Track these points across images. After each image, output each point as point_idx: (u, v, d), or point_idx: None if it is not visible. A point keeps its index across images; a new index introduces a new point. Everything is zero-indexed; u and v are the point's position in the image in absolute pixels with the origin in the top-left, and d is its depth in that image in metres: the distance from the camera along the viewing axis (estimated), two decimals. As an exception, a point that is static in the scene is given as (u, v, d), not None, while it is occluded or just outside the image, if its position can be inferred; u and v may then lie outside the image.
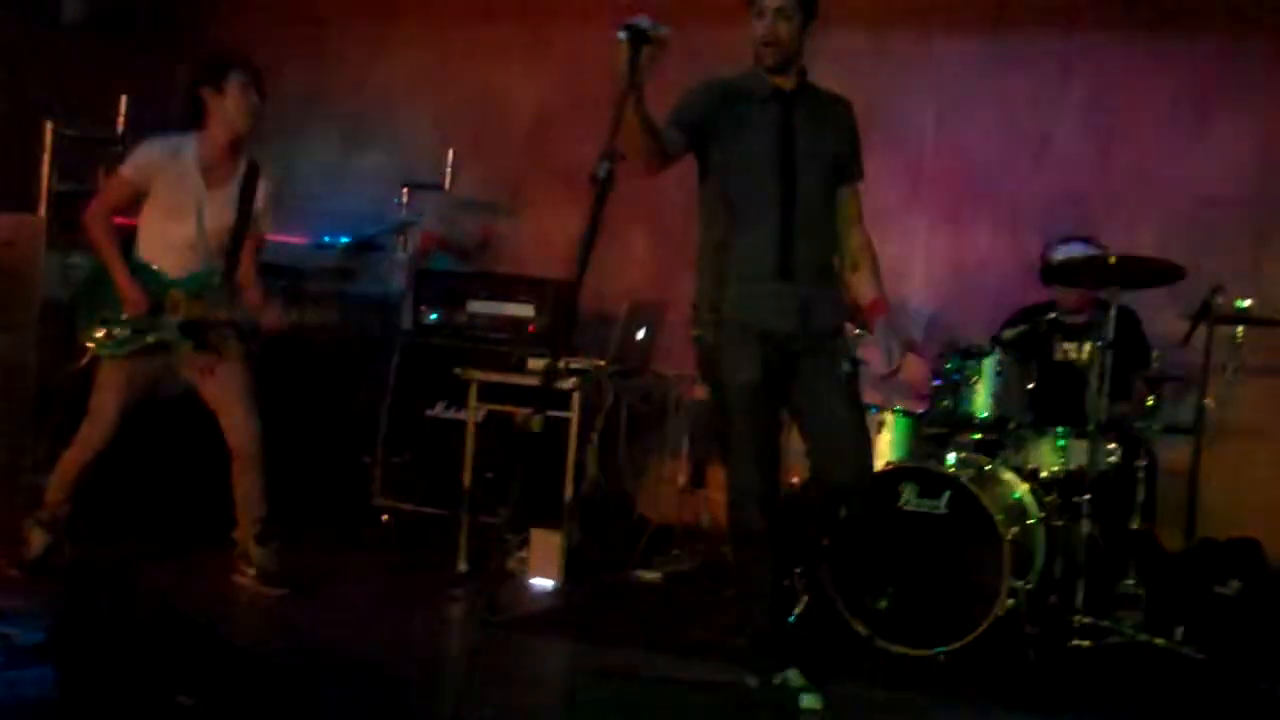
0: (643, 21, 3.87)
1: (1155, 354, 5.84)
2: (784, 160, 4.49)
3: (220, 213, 5.41)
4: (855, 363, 4.84)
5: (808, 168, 4.51)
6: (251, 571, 5.51)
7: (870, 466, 4.87)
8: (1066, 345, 6.16)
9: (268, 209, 5.54)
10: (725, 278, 4.49)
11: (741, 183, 4.48)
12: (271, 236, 5.74)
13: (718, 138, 4.47)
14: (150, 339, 5.34)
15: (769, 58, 4.46)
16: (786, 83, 4.53)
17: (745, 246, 4.47)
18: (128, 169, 5.39)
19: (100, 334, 5.33)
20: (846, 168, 4.67)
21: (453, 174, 7.35)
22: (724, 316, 4.48)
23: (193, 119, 5.41)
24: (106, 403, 5.35)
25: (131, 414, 5.40)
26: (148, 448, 5.87)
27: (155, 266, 5.36)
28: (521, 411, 5.60)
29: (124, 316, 5.31)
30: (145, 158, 5.39)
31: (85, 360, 5.43)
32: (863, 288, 4.71)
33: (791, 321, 4.48)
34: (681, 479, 6.95)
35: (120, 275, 5.29)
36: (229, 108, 5.35)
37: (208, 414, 5.49)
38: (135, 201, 5.42)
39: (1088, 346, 5.77)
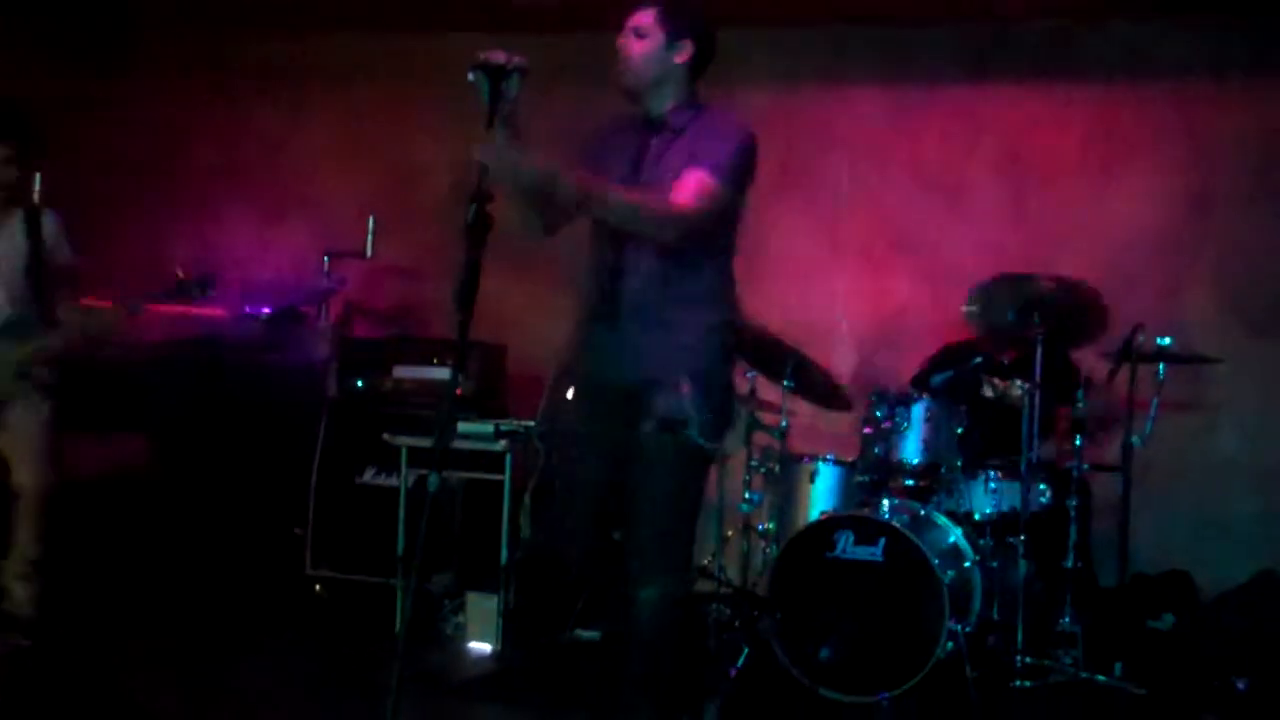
0: (496, 57, 3.60)
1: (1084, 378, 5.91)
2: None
3: (9, 254, 5.43)
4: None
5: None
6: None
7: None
8: (997, 380, 6.21)
9: (60, 241, 5.54)
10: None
11: (592, 227, 4.11)
12: (194, 309, 5.70)
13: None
14: None
15: (622, 83, 4.09)
16: (655, 109, 4.10)
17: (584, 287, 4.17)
18: None
19: None
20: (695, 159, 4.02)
21: (373, 241, 7.31)
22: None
23: None
24: None
25: None
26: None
27: None
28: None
29: None
30: None
31: None
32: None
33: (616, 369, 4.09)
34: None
35: None
36: None
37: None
38: None
39: (1016, 383, 5.86)
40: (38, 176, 6.65)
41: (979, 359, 6.16)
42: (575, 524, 4.24)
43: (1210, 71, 6.94)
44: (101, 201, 7.62)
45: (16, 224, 5.46)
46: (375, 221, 7.30)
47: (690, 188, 3.92)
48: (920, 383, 6.44)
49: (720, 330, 4.14)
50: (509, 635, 6.00)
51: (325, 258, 7.36)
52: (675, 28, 4.05)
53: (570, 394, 4.31)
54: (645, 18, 4.06)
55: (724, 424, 4.18)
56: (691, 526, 4.14)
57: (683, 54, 4.07)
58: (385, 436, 6.28)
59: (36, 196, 6.53)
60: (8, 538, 5.41)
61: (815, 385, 6.24)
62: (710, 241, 4.05)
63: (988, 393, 6.10)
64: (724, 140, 4.03)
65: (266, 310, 7.37)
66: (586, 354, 4.17)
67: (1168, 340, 5.63)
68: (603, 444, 4.12)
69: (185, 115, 8.13)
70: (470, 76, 3.63)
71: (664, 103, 4.08)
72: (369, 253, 7.33)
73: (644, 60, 4.04)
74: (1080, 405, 5.75)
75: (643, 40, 4.04)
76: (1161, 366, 5.64)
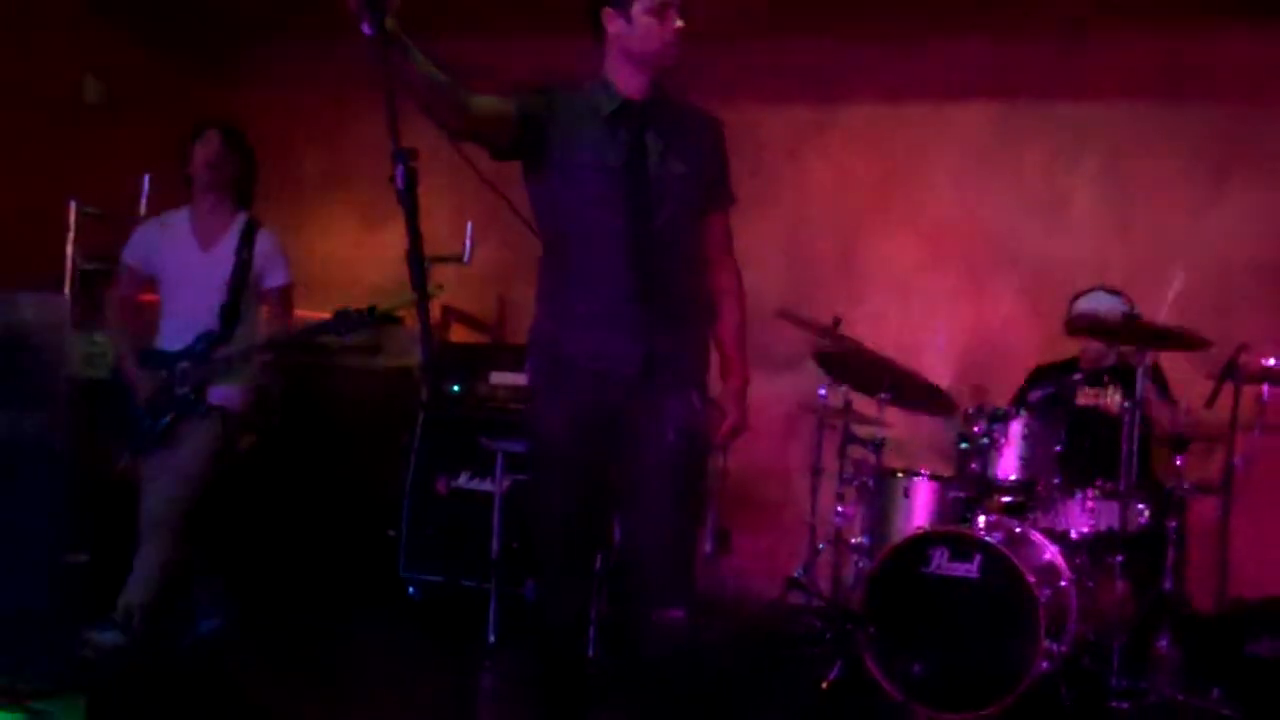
0: None
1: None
2: (633, 182, 3.84)
3: (216, 270, 5.34)
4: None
5: (661, 192, 3.85)
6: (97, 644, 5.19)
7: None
8: (1091, 390, 6.15)
9: (276, 259, 5.46)
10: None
11: (582, 209, 3.86)
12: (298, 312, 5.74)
13: (554, 147, 3.85)
14: (165, 425, 5.25)
15: (673, 61, 3.85)
16: (641, 93, 3.89)
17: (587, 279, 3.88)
18: (126, 253, 5.46)
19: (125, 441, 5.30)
20: (714, 192, 4.04)
21: (472, 246, 7.37)
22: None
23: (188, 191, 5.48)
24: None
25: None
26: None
27: (162, 347, 5.33)
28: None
29: (138, 404, 5.27)
30: (140, 237, 5.47)
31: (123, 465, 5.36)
32: (720, 346, 4.08)
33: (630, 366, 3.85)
34: (707, 547, 6.92)
35: (126, 364, 5.31)
36: (195, 165, 5.40)
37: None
38: (146, 284, 5.47)
39: (1111, 391, 5.79)
40: (146, 179, 6.80)
41: (1078, 374, 6.11)
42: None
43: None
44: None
45: (233, 240, 5.38)
46: (473, 227, 7.37)
47: (728, 243, 4.08)
48: (1017, 405, 6.40)
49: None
50: (603, 643, 6.00)
51: (425, 263, 7.41)
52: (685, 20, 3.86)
53: (565, 393, 3.93)
54: None
55: None
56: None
57: None
58: (482, 441, 6.31)
59: (144, 201, 6.64)
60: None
61: (915, 393, 6.22)
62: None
63: (1083, 400, 6.04)
64: (725, 161, 4.05)
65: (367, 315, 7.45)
66: (601, 351, 3.86)
67: (1271, 360, 5.54)
68: (600, 453, 3.90)
69: (293, 124, 8.25)
70: (366, 30, 3.31)
71: (659, 88, 3.93)
72: (467, 258, 7.39)
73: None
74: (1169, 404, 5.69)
75: (680, 21, 3.84)
76: (1265, 387, 5.55)
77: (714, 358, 4.08)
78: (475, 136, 3.78)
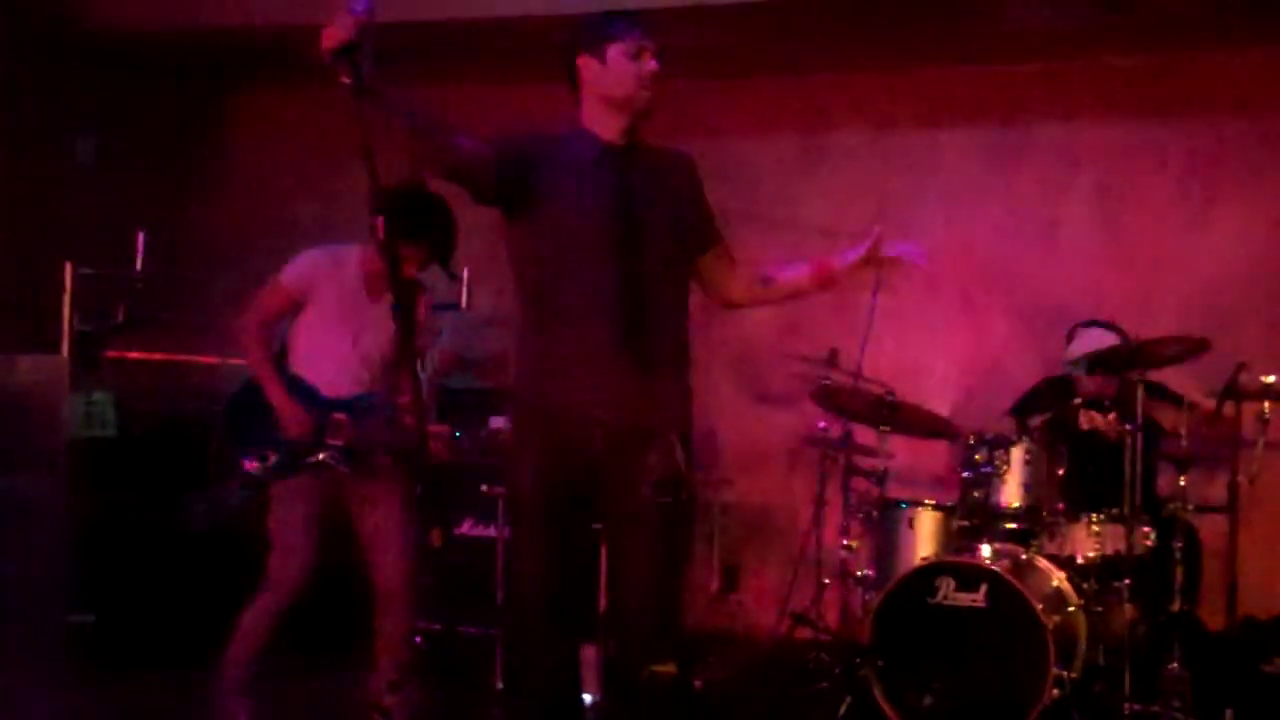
0: (338, 37, 3.31)
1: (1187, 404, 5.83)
2: (621, 227, 3.79)
3: (381, 326, 4.95)
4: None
5: (648, 236, 3.81)
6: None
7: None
8: (1093, 414, 6.16)
9: (430, 323, 5.29)
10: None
11: (567, 255, 3.81)
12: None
13: (538, 194, 3.79)
14: (310, 461, 4.90)
15: (646, 104, 3.81)
16: (623, 138, 3.87)
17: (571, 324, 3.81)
18: (287, 277, 4.99)
19: (256, 462, 4.92)
20: (703, 230, 4.00)
21: (469, 292, 7.37)
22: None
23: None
24: (291, 527, 4.93)
25: (321, 545, 4.98)
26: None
27: (313, 384, 4.96)
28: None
29: (283, 439, 4.88)
30: (309, 265, 5.02)
31: (245, 486, 5.04)
32: (791, 273, 4.07)
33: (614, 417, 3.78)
34: (714, 584, 6.91)
35: (278, 394, 4.87)
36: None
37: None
38: (291, 313, 5.03)
39: (1113, 416, 5.80)
40: (140, 237, 6.80)
41: (1079, 400, 6.11)
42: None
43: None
44: (204, 262, 7.77)
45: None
46: (470, 273, 7.36)
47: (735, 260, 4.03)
48: (1018, 411, 6.41)
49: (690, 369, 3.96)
50: (609, 684, 5.97)
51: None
52: (660, 62, 3.85)
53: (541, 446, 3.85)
54: (652, 42, 3.83)
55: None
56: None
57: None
58: (484, 488, 6.29)
59: (139, 258, 6.62)
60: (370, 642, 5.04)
61: (915, 422, 6.23)
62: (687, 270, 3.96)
63: (1085, 424, 6.05)
64: (703, 196, 4.02)
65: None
66: (582, 398, 3.78)
67: (1271, 378, 5.53)
68: (578, 506, 3.82)
69: (285, 172, 8.26)
70: (345, 80, 3.34)
71: (632, 134, 3.87)
72: (464, 304, 7.38)
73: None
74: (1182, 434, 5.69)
75: (655, 63, 3.82)
76: (1266, 404, 5.54)
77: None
78: (457, 179, 3.75)
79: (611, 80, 3.81)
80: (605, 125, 3.86)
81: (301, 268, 5.01)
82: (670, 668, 3.73)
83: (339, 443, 4.91)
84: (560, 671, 3.94)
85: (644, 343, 3.78)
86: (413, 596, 5.04)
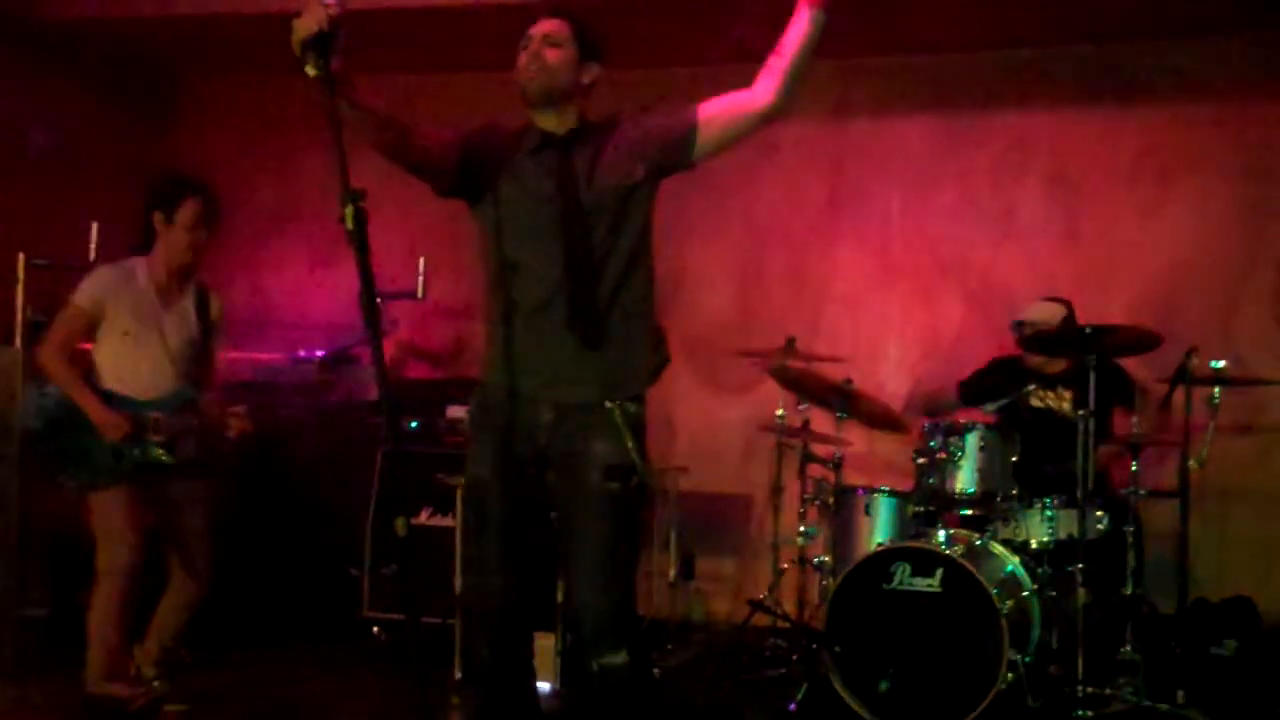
0: (311, 25, 3.34)
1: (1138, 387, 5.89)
2: (564, 213, 3.80)
3: (180, 330, 5.32)
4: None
5: (595, 220, 3.80)
6: (144, 688, 5.19)
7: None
8: (1044, 393, 6.22)
9: (222, 324, 5.50)
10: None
11: (520, 241, 3.84)
12: (248, 354, 5.72)
13: (493, 183, 3.84)
14: (138, 457, 5.15)
15: (532, 88, 3.82)
16: (559, 126, 3.88)
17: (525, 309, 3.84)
18: (82, 298, 5.25)
19: (82, 469, 5.15)
20: (685, 130, 3.89)
21: (425, 282, 7.35)
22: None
23: (145, 242, 5.33)
24: (116, 524, 5.11)
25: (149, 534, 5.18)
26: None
27: (125, 393, 5.21)
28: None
29: (106, 442, 5.12)
30: (98, 284, 5.27)
31: (73, 492, 5.21)
32: (789, 31, 3.90)
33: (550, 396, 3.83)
34: (671, 572, 6.93)
35: (91, 404, 5.12)
36: (174, 240, 5.28)
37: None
38: (88, 332, 5.27)
39: (1066, 394, 5.84)
40: (95, 227, 6.76)
41: (1031, 385, 6.16)
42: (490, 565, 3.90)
43: (1259, 88, 6.91)
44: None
45: (189, 302, 5.36)
46: (426, 263, 7.36)
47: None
48: (968, 390, 6.46)
49: (655, 350, 3.94)
50: (566, 673, 5.99)
51: (378, 302, 7.40)
52: (587, 48, 3.88)
53: (493, 432, 3.90)
54: (560, 28, 3.86)
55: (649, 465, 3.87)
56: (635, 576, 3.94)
57: (589, 75, 3.90)
58: (440, 477, 6.29)
59: (93, 248, 6.58)
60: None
61: (870, 413, 6.27)
62: (645, 238, 3.89)
63: (1036, 403, 6.11)
64: (657, 120, 3.93)
65: (320, 353, 7.44)
66: (510, 375, 3.85)
67: (1221, 363, 5.59)
68: (524, 481, 3.85)
69: (241, 159, 8.22)
70: (311, 72, 3.36)
71: (565, 121, 3.88)
72: (421, 294, 7.37)
73: (559, 69, 3.83)
74: (1134, 411, 5.74)
75: (556, 49, 3.83)
76: (1216, 389, 5.60)
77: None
78: (419, 172, 3.81)
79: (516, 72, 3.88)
80: (538, 116, 3.90)
81: (94, 287, 5.28)
82: (621, 657, 3.74)
83: (159, 439, 5.19)
84: (514, 660, 3.97)
85: (592, 322, 3.78)
86: (204, 593, 5.29)
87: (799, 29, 3.85)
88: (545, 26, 3.86)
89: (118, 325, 5.24)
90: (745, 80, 3.89)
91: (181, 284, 5.38)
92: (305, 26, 3.34)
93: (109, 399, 5.19)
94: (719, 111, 3.90)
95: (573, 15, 3.92)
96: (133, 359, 5.25)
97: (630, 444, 3.76)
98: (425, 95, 7.07)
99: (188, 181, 5.42)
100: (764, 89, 3.85)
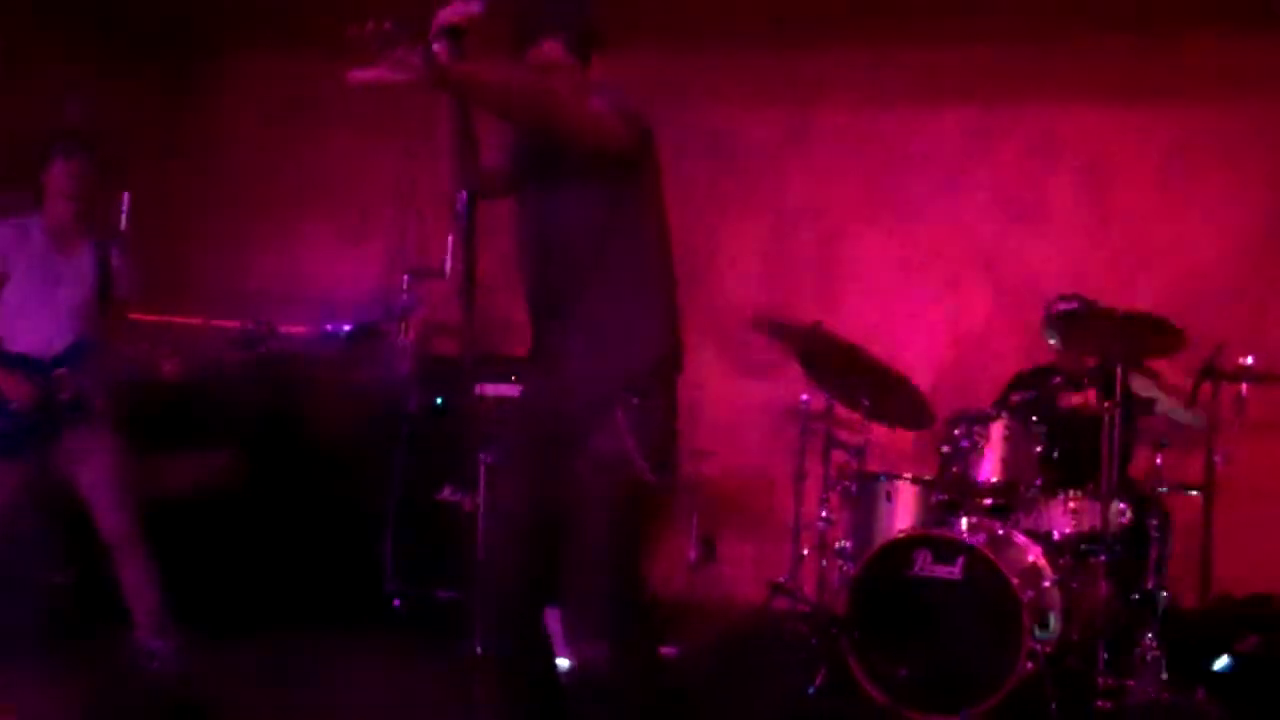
0: (453, 16, 3.36)
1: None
2: (528, 185, 3.87)
3: (80, 279, 5.31)
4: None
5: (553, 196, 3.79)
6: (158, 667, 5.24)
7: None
8: (1073, 393, 6.19)
9: (125, 273, 5.45)
10: None
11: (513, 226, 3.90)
12: (280, 326, 5.73)
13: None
14: (40, 432, 5.16)
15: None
16: None
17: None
18: None
19: None
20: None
21: (453, 259, 7.36)
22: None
23: (37, 198, 5.35)
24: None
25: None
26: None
27: (26, 351, 5.19)
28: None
29: (13, 409, 5.11)
30: None
31: None
32: None
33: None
34: (691, 554, 6.93)
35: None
36: (51, 198, 5.30)
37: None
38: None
39: (1092, 392, 5.83)
40: (125, 197, 6.79)
41: (1058, 379, 6.13)
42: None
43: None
44: (188, 224, 7.78)
45: (88, 254, 5.36)
46: (454, 242, 7.35)
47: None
48: (1000, 405, 6.43)
49: (658, 339, 3.81)
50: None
51: (406, 276, 7.42)
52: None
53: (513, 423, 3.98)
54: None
55: (665, 458, 3.72)
56: (634, 571, 3.77)
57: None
58: (466, 454, 6.29)
59: (124, 219, 6.61)
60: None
61: (897, 406, 6.22)
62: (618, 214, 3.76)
63: (1065, 404, 6.08)
64: None
65: (348, 328, 7.45)
66: (531, 377, 3.95)
67: (1249, 359, 5.57)
68: (534, 470, 3.82)
69: (269, 137, 8.25)
70: (435, 48, 3.31)
71: None
72: (448, 272, 7.38)
73: None
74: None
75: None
76: (1244, 385, 5.58)
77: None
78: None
79: None
80: None
81: None
82: (599, 649, 3.67)
83: (67, 396, 5.19)
84: (534, 637, 3.93)
85: (560, 311, 3.79)
86: (141, 541, 5.23)
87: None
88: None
89: (19, 280, 5.26)
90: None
91: (81, 227, 5.37)
92: (453, 14, 3.37)
93: (12, 363, 5.17)
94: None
95: None
96: (34, 311, 5.25)
97: (630, 441, 3.64)
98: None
99: (60, 143, 5.37)
100: None
